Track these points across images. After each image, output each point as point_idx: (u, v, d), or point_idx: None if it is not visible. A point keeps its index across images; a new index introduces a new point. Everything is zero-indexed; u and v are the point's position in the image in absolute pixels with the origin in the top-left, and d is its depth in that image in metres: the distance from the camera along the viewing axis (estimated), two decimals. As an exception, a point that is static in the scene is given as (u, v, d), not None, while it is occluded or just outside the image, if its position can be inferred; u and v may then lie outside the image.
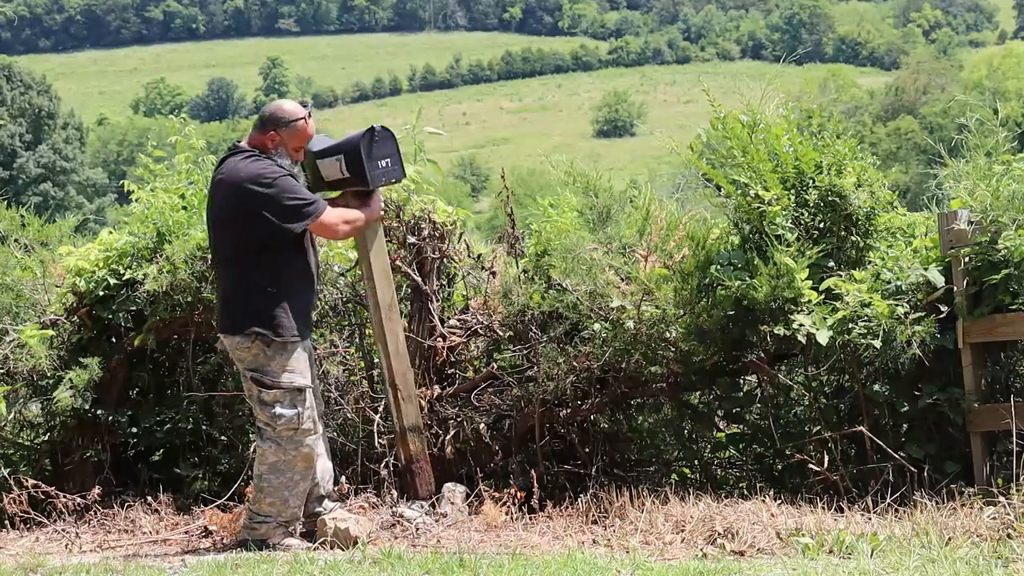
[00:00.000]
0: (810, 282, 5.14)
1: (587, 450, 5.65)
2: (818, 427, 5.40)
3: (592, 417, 5.71)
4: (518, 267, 5.82)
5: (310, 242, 5.05)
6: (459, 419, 5.62)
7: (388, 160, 5.08)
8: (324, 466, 5.12)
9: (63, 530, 5.46)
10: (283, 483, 4.87)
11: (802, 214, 5.37)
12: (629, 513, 5.01)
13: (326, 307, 6.04)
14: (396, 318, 5.25)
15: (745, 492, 5.30)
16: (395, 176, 5.15)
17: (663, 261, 5.50)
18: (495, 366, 5.75)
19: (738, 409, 5.73)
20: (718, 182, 5.51)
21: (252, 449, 5.49)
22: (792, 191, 5.41)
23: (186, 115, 6.47)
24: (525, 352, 5.64)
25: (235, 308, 4.90)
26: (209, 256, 5.40)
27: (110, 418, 5.96)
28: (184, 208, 6.05)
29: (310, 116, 5.07)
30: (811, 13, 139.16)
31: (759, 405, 5.64)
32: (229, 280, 4.95)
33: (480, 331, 5.80)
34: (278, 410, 4.85)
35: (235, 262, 4.91)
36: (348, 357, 5.96)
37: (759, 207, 5.30)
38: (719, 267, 5.29)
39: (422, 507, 5.33)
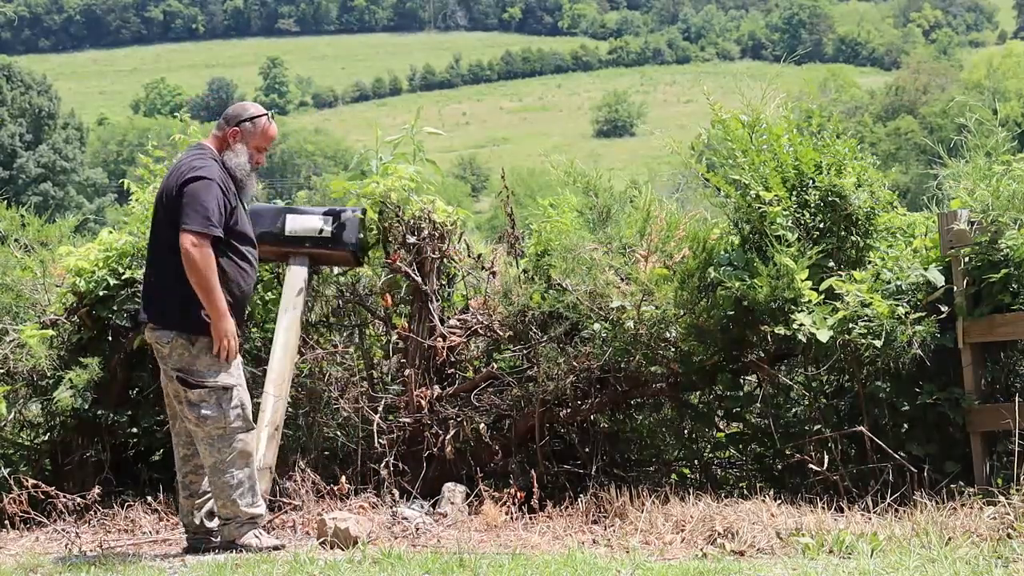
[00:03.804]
0: (810, 282, 5.14)
1: (587, 450, 5.65)
2: (818, 427, 5.40)
3: (592, 417, 5.71)
4: (518, 267, 5.82)
5: (244, 242, 4.94)
6: (459, 419, 5.62)
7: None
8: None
9: (63, 530, 5.45)
10: (226, 483, 4.81)
11: (803, 214, 5.37)
12: (629, 513, 5.00)
13: (326, 307, 6.04)
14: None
15: (745, 492, 5.30)
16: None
17: (663, 261, 5.50)
18: (495, 366, 5.75)
19: (738, 409, 5.73)
20: (717, 184, 5.51)
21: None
22: (792, 191, 5.41)
23: (187, 115, 6.47)
24: (525, 352, 5.65)
25: (162, 300, 4.81)
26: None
27: (110, 418, 5.95)
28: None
29: (272, 119, 5.06)
30: (811, 13, 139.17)
31: (759, 405, 5.64)
32: (165, 271, 4.82)
33: (480, 331, 5.80)
34: (203, 411, 4.77)
35: (174, 252, 4.75)
36: (348, 357, 5.96)
37: (759, 207, 5.30)
38: (719, 267, 5.29)
39: (422, 507, 5.33)
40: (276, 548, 4.79)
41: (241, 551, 4.74)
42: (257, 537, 4.84)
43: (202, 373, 4.76)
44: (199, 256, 4.66)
